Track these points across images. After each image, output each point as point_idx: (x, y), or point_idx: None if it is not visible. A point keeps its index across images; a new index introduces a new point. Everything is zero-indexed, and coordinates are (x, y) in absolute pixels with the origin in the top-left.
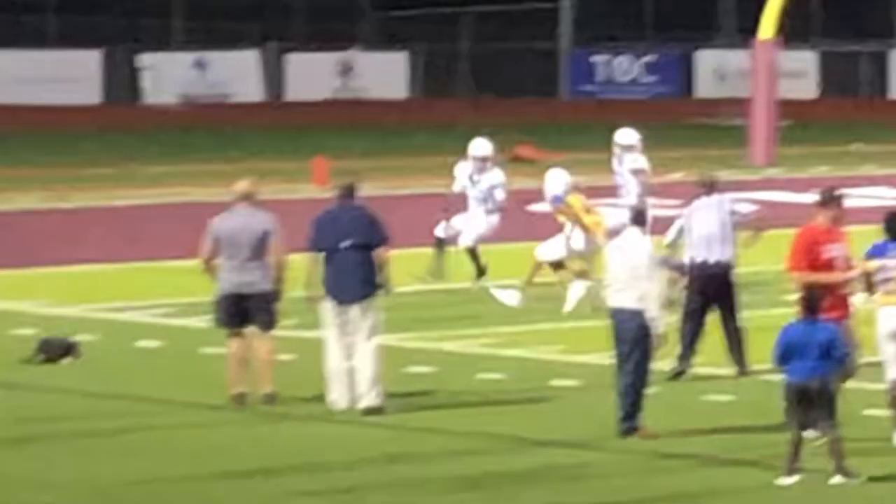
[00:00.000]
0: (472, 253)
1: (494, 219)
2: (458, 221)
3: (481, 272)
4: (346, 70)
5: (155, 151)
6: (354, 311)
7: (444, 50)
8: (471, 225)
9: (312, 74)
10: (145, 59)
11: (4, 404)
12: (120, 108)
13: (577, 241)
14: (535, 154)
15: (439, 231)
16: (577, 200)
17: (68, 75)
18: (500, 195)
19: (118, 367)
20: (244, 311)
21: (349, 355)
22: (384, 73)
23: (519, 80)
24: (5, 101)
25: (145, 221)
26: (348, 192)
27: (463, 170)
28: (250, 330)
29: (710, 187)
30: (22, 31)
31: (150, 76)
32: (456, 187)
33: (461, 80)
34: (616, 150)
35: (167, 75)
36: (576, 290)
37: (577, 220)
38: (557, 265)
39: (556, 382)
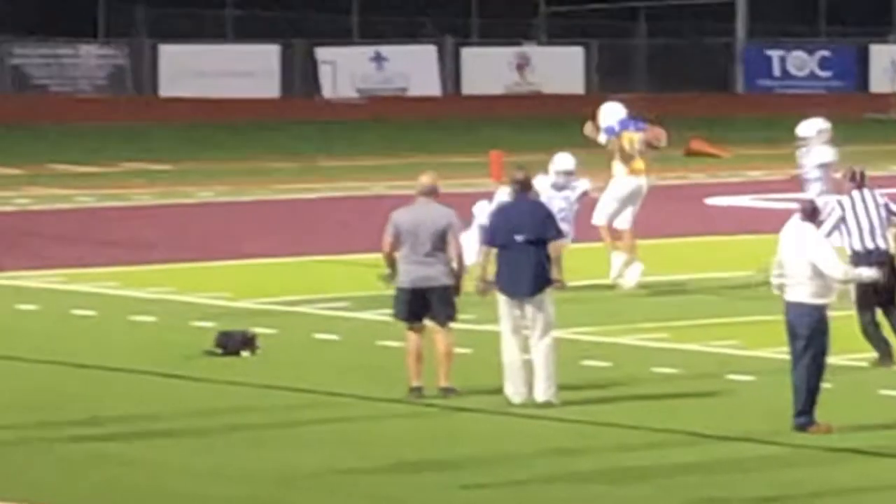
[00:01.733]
0: None
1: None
2: None
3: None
4: (522, 64)
5: (333, 145)
6: (528, 305)
7: (620, 44)
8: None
9: (489, 69)
10: (324, 53)
11: (184, 396)
12: (298, 102)
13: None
14: (710, 149)
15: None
16: (628, 140)
17: (248, 69)
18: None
19: (296, 359)
20: (424, 304)
21: (525, 349)
22: (560, 68)
23: (694, 75)
24: (186, 95)
25: (323, 215)
26: (523, 186)
27: (543, 182)
28: (429, 323)
29: (861, 180)
30: (203, 25)
31: (328, 70)
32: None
33: (637, 75)
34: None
35: (345, 69)
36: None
37: (622, 157)
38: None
39: (731, 376)
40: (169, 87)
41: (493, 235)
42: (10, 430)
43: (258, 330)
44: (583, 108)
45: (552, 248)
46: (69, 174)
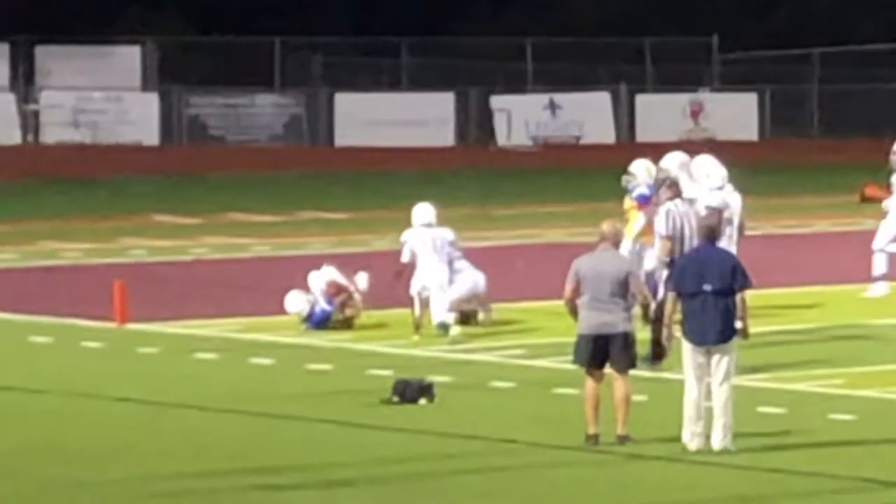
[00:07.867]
0: None
1: None
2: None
3: None
4: (696, 111)
5: (507, 192)
6: (713, 354)
7: (794, 90)
8: None
9: (663, 115)
10: (498, 101)
11: (362, 445)
12: (473, 150)
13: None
14: (884, 194)
15: None
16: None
17: (422, 117)
18: None
19: (472, 407)
20: (603, 351)
21: (706, 396)
22: (734, 114)
23: (868, 120)
24: (361, 143)
25: (497, 262)
26: (711, 234)
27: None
28: (607, 370)
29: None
30: (378, 73)
31: (502, 118)
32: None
33: (810, 121)
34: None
35: (519, 117)
36: None
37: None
38: None
39: None
40: (344, 135)
41: (681, 283)
42: (194, 478)
43: (435, 378)
44: (756, 153)
45: (739, 297)
46: (246, 223)
